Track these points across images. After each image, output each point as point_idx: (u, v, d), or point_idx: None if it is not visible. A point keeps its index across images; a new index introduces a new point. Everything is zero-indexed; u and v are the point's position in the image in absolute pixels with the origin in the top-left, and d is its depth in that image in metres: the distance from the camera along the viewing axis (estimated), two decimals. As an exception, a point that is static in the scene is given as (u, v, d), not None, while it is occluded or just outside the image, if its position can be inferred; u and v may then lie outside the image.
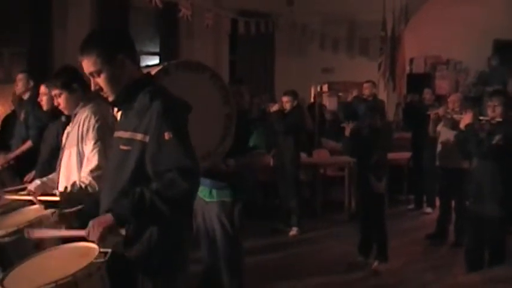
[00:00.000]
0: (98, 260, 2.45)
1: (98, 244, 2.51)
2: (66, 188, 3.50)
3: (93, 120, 3.70)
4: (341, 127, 7.31)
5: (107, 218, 2.55)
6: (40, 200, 3.41)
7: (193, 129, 2.73)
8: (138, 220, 2.56)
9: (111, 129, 3.67)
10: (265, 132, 4.93)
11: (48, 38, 10.36)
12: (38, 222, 3.17)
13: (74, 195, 3.45)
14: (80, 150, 3.71)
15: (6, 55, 10.56)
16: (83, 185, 3.50)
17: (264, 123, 5.07)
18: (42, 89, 5.50)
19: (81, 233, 2.59)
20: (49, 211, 3.32)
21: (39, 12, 10.31)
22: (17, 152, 6.31)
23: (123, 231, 2.59)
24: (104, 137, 3.65)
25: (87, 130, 3.69)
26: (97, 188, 3.47)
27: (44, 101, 5.44)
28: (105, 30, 2.98)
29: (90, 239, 2.53)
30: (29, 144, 6.23)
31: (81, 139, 3.71)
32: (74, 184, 3.52)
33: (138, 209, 2.50)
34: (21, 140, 6.40)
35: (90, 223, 2.56)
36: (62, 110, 3.98)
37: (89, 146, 3.65)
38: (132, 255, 2.66)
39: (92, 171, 3.55)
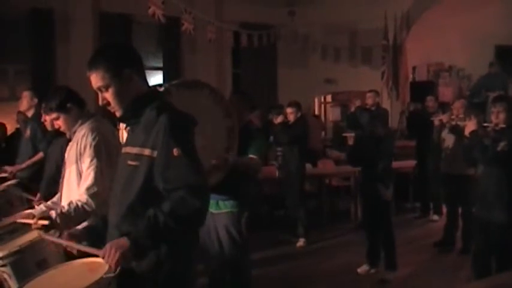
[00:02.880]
0: (108, 275, 2.45)
1: (113, 268, 2.49)
2: (62, 209, 3.51)
3: (90, 138, 3.71)
4: (344, 137, 7.36)
5: (124, 242, 2.50)
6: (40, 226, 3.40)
7: (197, 145, 2.74)
8: (153, 242, 2.56)
9: (110, 145, 3.70)
10: (263, 144, 4.94)
11: (51, 55, 10.44)
12: (40, 241, 3.18)
13: (71, 215, 3.47)
14: (79, 167, 3.72)
15: (10, 72, 10.64)
16: (79, 204, 3.51)
17: (262, 136, 5.07)
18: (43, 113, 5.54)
19: (96, 252, 2.58)
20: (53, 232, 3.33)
21: (42, 29, 10.39)
22: (28, 162, 6.35)
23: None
24: (100, 154, 3.67)
25: (85, 148, 3.69)
26: (94, 206, 3.50)
27: (47, 120, 5.48)
28: (113, 45, 2.98)
29: (106, 262, 2.49)
30: (40, 155, 6.27)
31: (79, 157, 3.72)
32: (70, 203, 3.54)
33: (153, 233, 2.50)
34: (27, 157, 6.42)
35: (108, 245, 2.52)
36: (64, 131, 3.99)
37: (85, 164, 3.66)
38: (141, 269, 2.67)
39: (88, 188, 3.56)
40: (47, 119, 5.38)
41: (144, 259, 2.64)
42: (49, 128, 5.46)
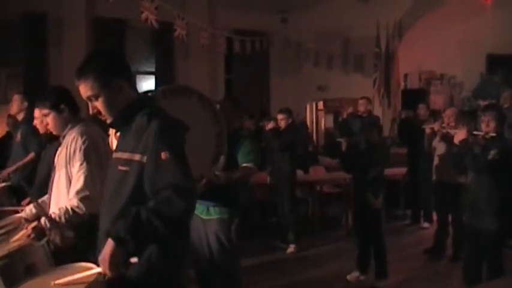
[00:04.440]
0: (97, 281, 2.44)
1: (113, 274, 2.48)
2: (52, 214, 3.50)
3: (79, 142, 3.70)
4: (337, 142, 7.36)
5: (109, 246, 2.50)
6: (33, 229, 3.38)
7: (187, 152, 2.74)
8: (136, 239, 2.55)
9: (100, 149, 3.70)
10: (253, 148, 4.93)
11: (44, 58, 10.42)
12: (29, 246, 3.17)
13: (62, 220, 3.45)
14: (69, 171, 3.71)
15: (2, 76, 10.61)
16: (69, 208, 3.50)
17: (251, 139, 5.07)
18: (36, 113, 5.52)
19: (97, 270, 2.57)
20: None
21: (36, 33, 10.38)
22: (19, 163, 6.30)
23: (134, 259, 2.57)
24: (90, 158, 3.66)
25: (74, 151, 3.69)
26: (84, 209, 3.48)
27: (38, 124, 5.45)
28: (100, 53, 2.99)
29: (105, 273, 2.50)
30: (31, 156, 6.23)
31: (69, 160, 3.71)
32: (60, 208, 3.53)
33: (135, 228, 2.50)
34: (18, 161, 6.38)
35: (99, 259, 2.52)
36: (51, 129, 3.98)
37: (75, 168, 3.65)
38: (131, 274, 2.66)
39: (77, 192, 3.55)
40: (37, 122, 5.36)
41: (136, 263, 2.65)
42: (41, 131, 5.45)
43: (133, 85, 2.87)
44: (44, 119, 3.97)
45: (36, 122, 5.48)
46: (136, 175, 2.67)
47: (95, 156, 3.68)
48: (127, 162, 2.72)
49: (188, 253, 2.96)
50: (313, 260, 7.75)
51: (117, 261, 2.48)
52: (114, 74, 2.76)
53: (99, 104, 2.78)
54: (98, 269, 2.51)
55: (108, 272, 2.47)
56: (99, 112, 2.79)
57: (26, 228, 3.38)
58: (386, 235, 6.72)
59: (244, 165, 4.79)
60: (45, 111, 3.90)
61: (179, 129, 2.78)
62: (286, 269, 7.30)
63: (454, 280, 6.41)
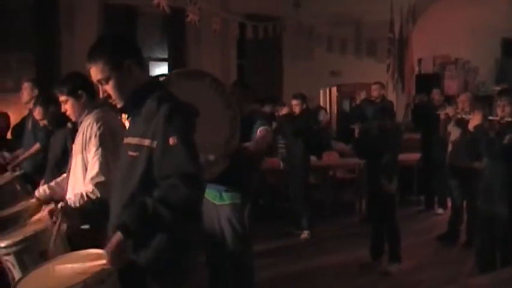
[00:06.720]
0: (109, 266, 2.44)
1: (114, 266, 2.48)
2: (68, 200, 3.50)
3: (95, 127, 3.69)
4: (351, 129, 7.34)
5: (117, 238, 2.50)
6: (50, 212, 3.39)
7: (198, 135, 2.73)
8: (143, 228, 2.54)
9: (117, 135, 3.68)
10: (265, 123, 4.96)
11: (56, 44, 10.40)
12: (43, 231, 3.17)
13: (77, 206, 3.46)
14: (84, 157, 3.70)
15: (13, 62, 10.60)
16: (85, 194, 3.50)
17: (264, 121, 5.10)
18: (36, 113, 5.53)
19: (102, 262, 2.57)
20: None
21: (46, 18, 10.35)
22: (26, 154, 6.29)
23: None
24: (105, 143, 3.64)
25: (90, 137, 3.67)
26: (99, 195, 3.47)
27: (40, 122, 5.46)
28: (111, 36, 2.99)
29: (111, 265, 2.48)
30: (37, 146, 6.23)
31: (85, 146, 3.70)
32: (76, 194, 3.53)
33: (142, 218, 2.50)
34: (30, 148, 6.39)
35: (106, 250, 2.51)
36: (69, 116, 3.98)
37: (91, 153, 3.64)
38: (141, 260, 2.67)
39: (93, 178, 3.54)
40: (41, 123, 5.37)
41: (145, 248, 2.64)
42: (41, 124, 5.46)
43: (144, 69, 2.86)
44: (63, 105, 3.95)
45: (34, 114, 5.49)
46: (146, 160, 2.66)
47: (111, 142, 3.67)
48: (137, 147, 2.72)
49: (197, 237, 2.95)
50: (326, 245, 7.76)
51: (121, 253, 2.49)
52: (124, 57, 2.76)
53: (109, 88, 2.77)
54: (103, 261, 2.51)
55: (111, 263, 2.46)
56: (109, 96, 2.78)
57: (43, 210, 3.39)
58: (399, 221, 6.70)
59: (260, 128, 4.83)
60: (63, 97, 3.89)
61: (189, 115, 2.77)
62: (299, 255, 7.31)
63: (467, 267, 6.38)
